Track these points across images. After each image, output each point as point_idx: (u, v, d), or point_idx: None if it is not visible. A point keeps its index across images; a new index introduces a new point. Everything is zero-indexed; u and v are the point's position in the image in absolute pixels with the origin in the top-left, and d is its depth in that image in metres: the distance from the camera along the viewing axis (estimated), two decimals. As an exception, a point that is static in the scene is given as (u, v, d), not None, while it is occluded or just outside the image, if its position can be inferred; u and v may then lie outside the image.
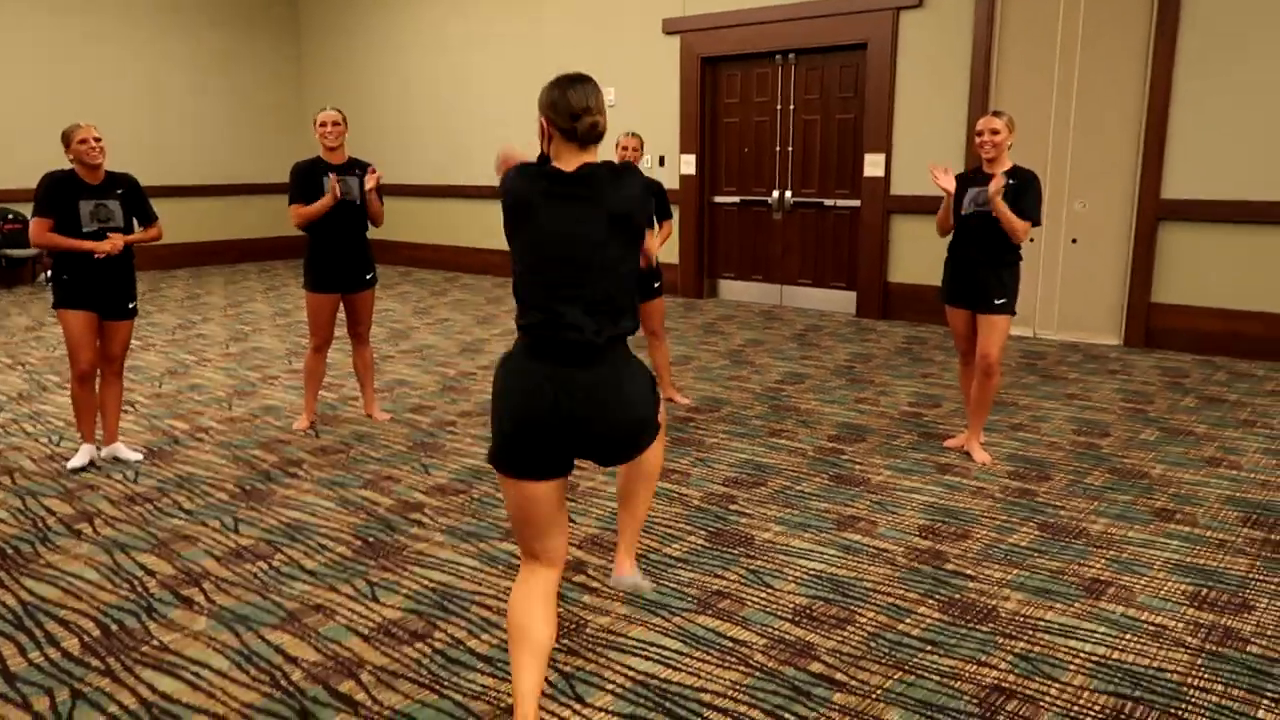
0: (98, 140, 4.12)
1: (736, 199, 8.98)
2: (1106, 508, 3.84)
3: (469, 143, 10.92)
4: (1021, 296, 7.39)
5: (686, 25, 8.83)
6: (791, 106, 8.51)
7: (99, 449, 4.55)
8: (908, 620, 2.95)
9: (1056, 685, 2.58)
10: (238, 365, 6.53)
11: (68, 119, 10.59)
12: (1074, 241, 7.09)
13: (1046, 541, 3.52)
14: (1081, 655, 2.73)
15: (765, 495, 4.01)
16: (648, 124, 9.31)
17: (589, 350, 2.14)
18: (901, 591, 3.14)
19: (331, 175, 4.72)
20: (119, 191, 4.25)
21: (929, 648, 2.78)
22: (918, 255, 7.91)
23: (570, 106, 2.19)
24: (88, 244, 4.10)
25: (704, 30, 8.74)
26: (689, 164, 9.04)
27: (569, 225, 2.16)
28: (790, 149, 8.58)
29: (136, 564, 3.40)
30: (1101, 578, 3.22)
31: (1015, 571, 3.27)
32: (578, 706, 2.50)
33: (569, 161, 2.23)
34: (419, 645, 2.82)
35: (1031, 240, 7.22)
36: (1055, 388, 5.75)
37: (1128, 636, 2.83)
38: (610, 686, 2.59)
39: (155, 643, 2.85)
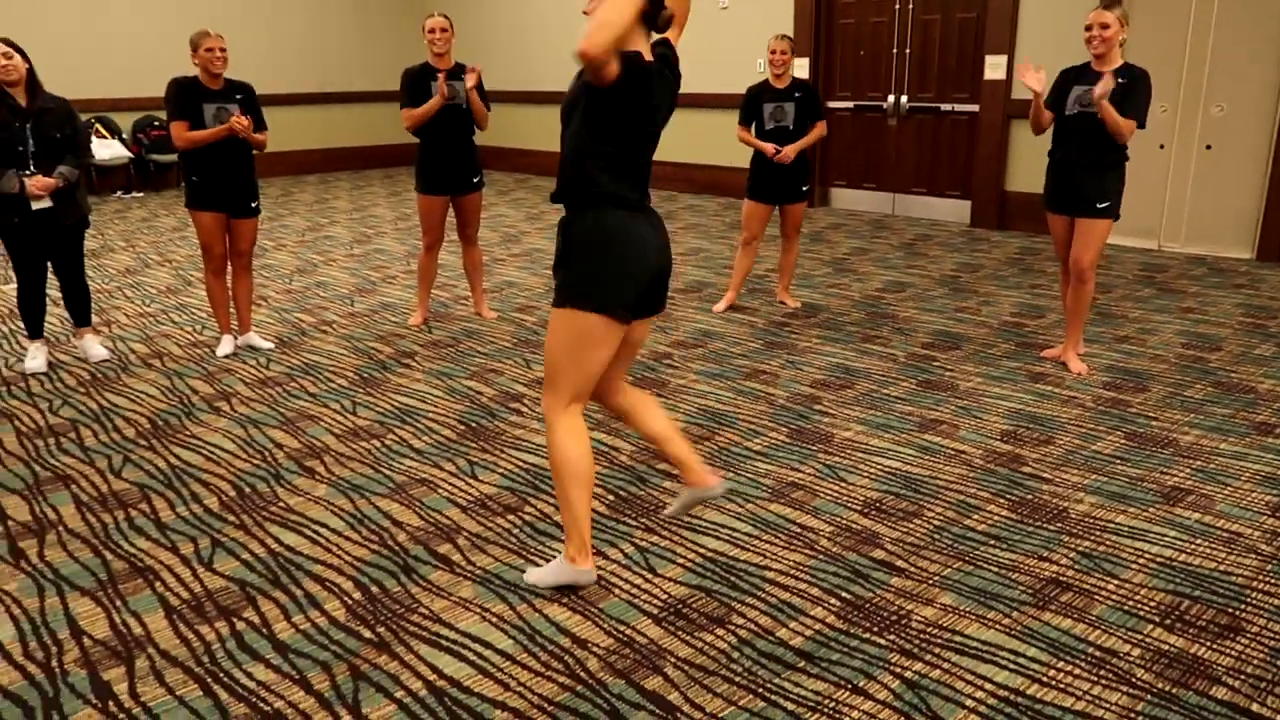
0: (223, 51, 4.43)
1: (850, 104, 8.78)
2: (1202, 420, 3.78)
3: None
4: (1147, 207, 7.06)
5: (804, -79, 8.54)
6: (910, 6, 8.20)
7: (236, 338, 4.98)
8: (975, 516, 3.03)
9: (1115, 581, 2.64)
10: (360, 265, 6.93)
11: (195, 27, 11.09)
12: (1208, 148, 6.70)
13: (1132, 450, 3.51)
14: (1146, 556, 2.77)
15: (850, 397, 4.10)
16: (762, 26, 9.14)
17: (650, 207, 2.54)
18: (974, 490, 3.21)
19: (440, 75, 4.90)
20: (238, 97, 4.56)
21: (992, 542, 2.87)
22: (1038, 162, 7.61)
23: None
24: (222, 128, 4.43)
25: (822, -74, 8.44)
26: (802, 68, 8.87)
27: (662, 108, 2.45)
28: (908, 51, 8.30)
29: (267, 438, 3.78)
30: (1183, 486, 3.21)
31: (1093, 477, 3.29)
32: (649, 576, 2.71)
33: (644, 45, 2.41)
34: (510, 517, 3.09)
35: (1162, 147, 6.86)
36: (1170, 300, 5.56)
37: (1198, 541, 2.85)
38: (681, 561, 2.79)
39: (281, 504, 3.20)
